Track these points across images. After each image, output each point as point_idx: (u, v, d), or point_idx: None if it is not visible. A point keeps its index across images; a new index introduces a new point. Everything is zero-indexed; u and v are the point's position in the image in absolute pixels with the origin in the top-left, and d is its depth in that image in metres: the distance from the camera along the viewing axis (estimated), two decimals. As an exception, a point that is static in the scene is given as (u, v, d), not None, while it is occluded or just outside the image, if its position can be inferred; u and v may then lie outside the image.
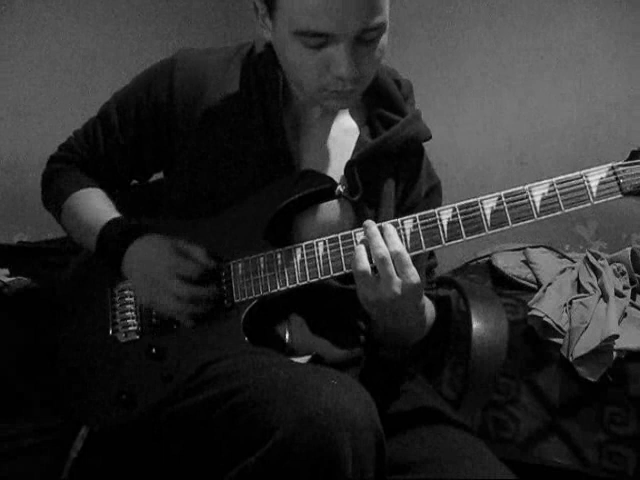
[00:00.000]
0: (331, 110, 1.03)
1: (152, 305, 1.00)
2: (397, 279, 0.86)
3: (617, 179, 0.85)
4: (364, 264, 0.87)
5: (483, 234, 0.88)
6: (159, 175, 1.17)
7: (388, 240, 0.88)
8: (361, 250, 0.88)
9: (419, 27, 2.43)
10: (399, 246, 0.87)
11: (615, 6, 2.24)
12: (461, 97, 2.42)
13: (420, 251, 0.90)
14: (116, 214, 1.07)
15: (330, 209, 1.03)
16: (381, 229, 0.89)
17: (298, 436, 0.73)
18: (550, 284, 1.81)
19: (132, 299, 1.05)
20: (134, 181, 1.20)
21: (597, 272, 1.82)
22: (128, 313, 1.04)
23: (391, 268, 0.86)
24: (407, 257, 0.87)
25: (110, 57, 2.40)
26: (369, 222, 0.90)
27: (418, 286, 0.88)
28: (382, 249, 0.87)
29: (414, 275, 0.87)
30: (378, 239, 0.88)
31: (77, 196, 1.11)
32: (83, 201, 1.11)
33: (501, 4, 2.36)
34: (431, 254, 1.16)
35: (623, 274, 1.84)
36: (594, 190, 0.86)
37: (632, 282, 1.83)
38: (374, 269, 0.87)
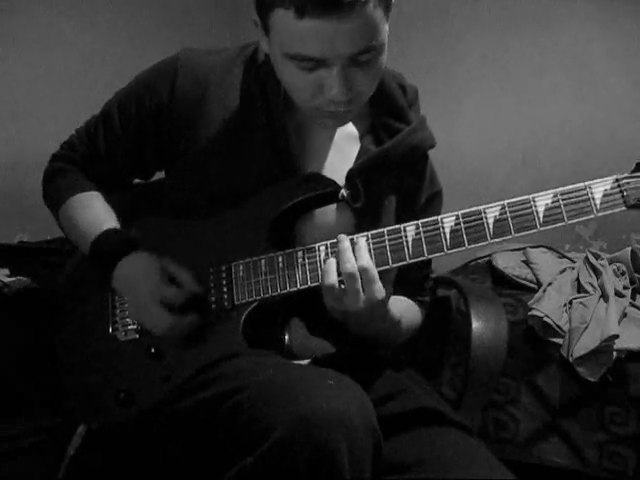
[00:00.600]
0: (328, 127, 1.02)
1: (138, 321, 1.01)
2: (362, 295, 0.88)
3: (621, 191, 0.85)
4: (331, 279, 0.88)
5: (485, 243, 0.88)
6: (161, 174, 1.17)
7: (357, 254, 0.89)
8: (331, 265, 0.89)
9: (419, 30, 2.43)
10: (366, 261, 0.88)
11: (616, 8, 2.24)
12: (462, 99, 2.43)
13: (422, 258, 0.90)
14: (111, 223, 1.07)
15: (332, 215, 1.03)
16: (352, 243, 0.90)
17: (295, 436, 0.73)
18: (550, 284, 1.81)
19: None
20: (136, 180, 1.20)
21: (597, 272, 1.82)
22: (128, 312, 1.04)
23: (358, 284, 0.87)
24: (374, 273, 0.88)
25: (110, 57, 2.40)
26: (341, 237, 0.91)
27: (382, 301, 0.89)
28: (350, 264, 0.88)
29: (379, 291, 0.88)
30: (348, 254, 0.88)
31: (75, 199, 1.11)
32: (80, 206, 1.11)
33: (502, 7, 2.36)
34: (427, 263, 1.16)
35: (623, 274, 1.84)
36: (598, 202, 0.86)
37: (632, 282, 1.83)
38: (341, 282, 0.88)
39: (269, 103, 1.02)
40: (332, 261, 0.90)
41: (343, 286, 0.88)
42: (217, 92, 1.04)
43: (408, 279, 1.09)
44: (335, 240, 0.93)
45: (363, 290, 0.88)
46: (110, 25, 2.42)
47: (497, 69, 2.39)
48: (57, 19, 2.34)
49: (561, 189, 0.87)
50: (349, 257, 0.88)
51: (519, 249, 2.07)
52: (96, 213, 1.09)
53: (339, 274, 0.89)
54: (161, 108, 1.05)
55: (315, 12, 0.80)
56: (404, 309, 1.06)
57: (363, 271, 0.87)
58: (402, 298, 1.09)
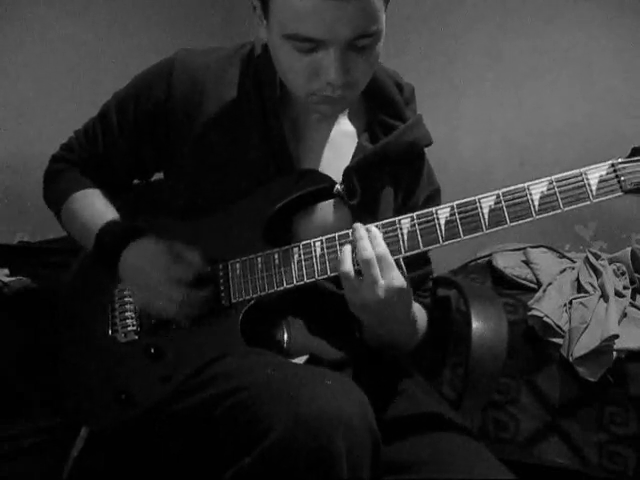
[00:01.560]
0: (323, 115, 1.01)
1: (148, 308, 1.00)
2: (381, 282, 0.87)
3: (617, 177, 0.83)
4: (347, 266, 0.88)
5: (481, 233, 0.87)
6: (160, 174, 1.17)
7: (373, 242, 0.88)
8: (346, 252, 0.89)
9: (419, 28, 2.43)
10: (383, 249, 0.87)
11: (616, 7, 2.24)
12: (461, 98, 2.42)
13: (417, 250, 0.89)
14: (114, 215, 1.08)
15: (328, 211, 1.03)
16: (367, 231, 0.89)
17: (293, 436, 0.73)
18: (550, 284, 1.81)
19: (131, 299, 1.05)
20: (135, 181, 1.20)
21: (597, 272, 1.82)
22: (127, 313, 1.04)
23: (375, 270, 0.86)
24: (391, 260, 0.87)
25: (110, 57, 2.40)
26: (357, 225, 0.90)
27: (402, 290, 0.88)
28: (367, 251, 0.87)
29: (397, 279, 0.87)
30: (365, 242, 0.88)
31: (76, 197, 1.12)
32: (82, 202, 1.11)
33: (501, 5, 2.36)
34: (426, 262, 1.16)
35: (623, 274, 1.84)
36: (594, 188, 0.84)
37: (632, 282, 1.83)
38: (359, 272, 0.87)
39: (265, 99, 1.02)
40: (347, 248, 0.89)
41: (360, 277, 0.88)
42: (214, 91, 1.04)
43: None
44: (330, 236, 0.93)
45: (381, 277, 0.87)
46: (110, 25, 2.42)
47: (496, 69, 2.38)
48: (57, 19, 2.34)
49: (556, 176, 0.85)
50: (366, 245, 0.87)
51: (519, 249, 2.07)
52: (98, 208, 1.09)
53: (356, 264, 0.88)
54: (158, 108, 1.05)
55: None
56: (416, 309, 1.06)
57: (381, 258, 0.87)
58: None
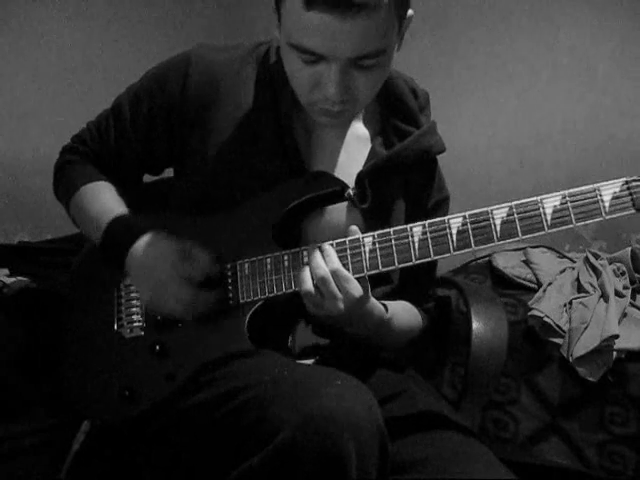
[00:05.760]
0: (324, 125, 1.02)
1: (153, 306, 1.00)
2: (340, 296, 0.88)
3: (631, 194, 0.84)
4: (307, 285, 0.89)
5: (492, 244, 0.88)
6: (170, 171, 1.16)
7: (327, 259, 0.90)
8: (305, 272, 0.90)
9: (420, 28, 2.43)
10: (336, 264, 0.89)
11: (617, 9, 2.24)
12: (461, 100, 2.42)
13: (428, 259, 0.90)
14: (123, 209, 1.07)
15: (339, 215, 1.03)
16: (320, 249, 0.91)
17: (301, 437, 0.73)
18: (550, 284, 1.81)
19: (138, 295, 1.04)
20: (146, 175, 1.20)
21: (597, 272, 1.82)
22: (133, 309, 1.04)
23: (333, 286, 0.88)
24: (345, 273, 0.89)
25: (111, 58, 2.40)
26: (309, 245, 0.93)
27: (361, 298, 0.89)
28: (321, 269, 0.89)
29: (355, 289, 0.89)
30: (318, 260, 0.90)
31: (86, 190, 1.11)
32: (91, 195, 1.10)
33: (503, 6, 2.36)
34: (431, 271, 1.15)
35: (623, 274, 1.84)
36: (607, 205, 0.84)
37: (632, 282, 1.83)
38: (319, 289, 0.89)
39: (278, 102, 1.02)
40: (305, 269, 0.91)
41: (321, 294, 0.89)
42: (229, 89, 1.04)
43: (412, 286, 1.09)
44: (341, 240, 0.93)
45: (340, 291, 0.88)
46: (110, 25, 2.42)
47: (497, 70, 2.38)
48: (56, 21, 2.34)
49: (569, 191, 0.86)
50: (319, 263, 0.89)
51: (519, 249, 2.07)
52: (107, 201, 1.09)
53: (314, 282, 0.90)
54: (172, 104, 1.05)
55: (323, 6, 0.81)
56: (399, 309, 1.06)
57: (334, 273, 0.88)
58: (400, 302, 1.09)
